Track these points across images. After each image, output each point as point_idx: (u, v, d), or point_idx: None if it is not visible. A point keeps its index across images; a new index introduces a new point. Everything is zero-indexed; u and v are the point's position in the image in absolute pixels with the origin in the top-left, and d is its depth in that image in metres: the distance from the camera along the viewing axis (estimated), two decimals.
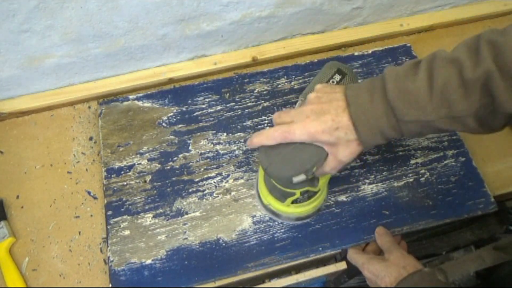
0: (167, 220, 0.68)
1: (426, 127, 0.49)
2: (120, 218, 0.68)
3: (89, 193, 0.72)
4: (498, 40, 0.44)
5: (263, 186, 0.65)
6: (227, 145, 0.75)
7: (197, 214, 0.69)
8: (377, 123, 0.49)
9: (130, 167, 0.73)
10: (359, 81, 0.66)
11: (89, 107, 0.81)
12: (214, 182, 0.71)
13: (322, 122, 0.51)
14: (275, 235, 0.67)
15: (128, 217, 0.68)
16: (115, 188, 0.71)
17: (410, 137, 0.51)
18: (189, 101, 0.79)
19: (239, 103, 0.79)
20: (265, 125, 0.77)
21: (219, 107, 0.79)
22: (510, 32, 0.45)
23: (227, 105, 0.79)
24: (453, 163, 0.73)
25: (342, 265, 0.69)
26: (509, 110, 0.44)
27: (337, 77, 0.64)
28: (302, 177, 0.54)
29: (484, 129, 0.49)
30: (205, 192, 0.70)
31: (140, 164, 0.73)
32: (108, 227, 0.67)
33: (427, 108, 0.47)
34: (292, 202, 0.63)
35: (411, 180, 0.72)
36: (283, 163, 0.54)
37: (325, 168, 0.54)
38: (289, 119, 0.53)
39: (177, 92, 0.81)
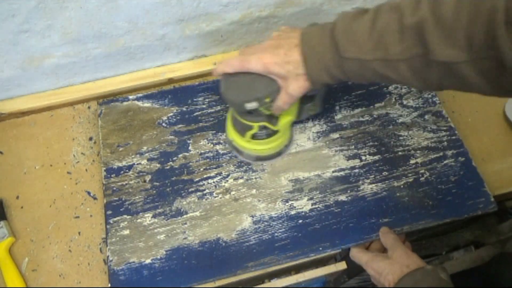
0: (167, 220, 0.68)
1: (364, 67, 0.51)
2: (119, 217, 0.68)
3: (88, 193, 0.72)
4: None
5: (229, 121, 0.71)
6: (227, 145, 0.75)
7: (197, 213, 0.69)
8: (323, 58, 0.52)
9: (130, 167, 0.73)
10: None
11: (89, 107, 0.81)
12: (213, 182, 0.71)
13: (275, 54, 0.55)
14: (275, 235, 0.67)
15: (128, 217, 0.68)
16: (115, 188, 0.71)
17: (354, 79, 0.54)
18: (189, 101, 0.79)
19: None
20: None
21: (219, 107, 0.79)
22: None
23: (227, 105, 0.79)
24: (453, 163, 0.73)
25: (342, 265, 0.69)
26: (440, 57, 0.45)
27: None
28: (254, 104, 0.58)
29: (420, 82, 0.50)
30: (205, 191, 0.70)
31: (139, 164, 0.73)
32: (108, 227, 0.67)
33: (365, 47, 0.50)
34: (252, 137, 0.67)
35: (411, 180, 0.72)
36: (238, 90, 0.59)
37: (278, 101, 0.59)
38: (251, 52, 0.58)
39: (177, 92, 0.81)
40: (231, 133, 0.71)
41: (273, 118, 0.65)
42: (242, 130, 0.68)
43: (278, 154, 0.72)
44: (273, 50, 0.56)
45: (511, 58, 0.41)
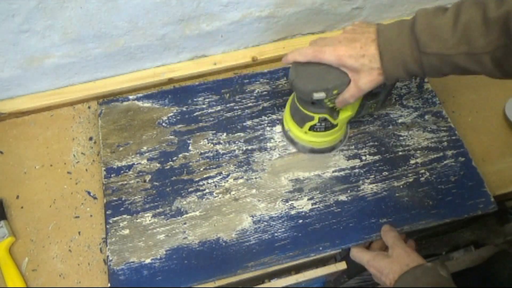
0: (167, 220, 0.68)
1: (445, 62, 0.51)
2: (119, 217, 0.68)
3: (88, 193, 0.72)
4: None
5: (288, 111, 0.71)
6: (227, 145, 0.75)
7: (197, 213, 0.69)
8: (401, 54, 0.53)
9: (130, 167, 0.73)
10: None
11: (89, 107, 0.81)
12: (214, 181, 0.71)
13: (351, 47, 0.55)
14: (275, 235, 0.67)
15: (128, 217, 0.68)
16: (115, 188, 0.71)
17: (429, 74, 0.55)
18: (189, 101, 0.79)
19: (239, 103, 0.79)
20: (265, 125, 0.77)
21: (219, 107, 0.79)
22: None
23: (227, 105, 0.79)
24: (453, 163, 0.73)
25: (342, 265, 0.69)
26: None
27: None
28: (322, 94, 0.59)
29: (499, 72, 0.51)
30: (205, 191, 0.70)
31: (139, 163, 0.73)
32: (108, 226, 0.67)
33: (448, 42, 0.50)
34: (310, 129, 0.68)
35: (411, 180, 0.72)
36: (308, 78, 0.59)
37: (345, 94, 0.59)
38: (324, 44, 0.58)
39: (177, 92, 0.81)
40: (289, 123, 0.71)
41: (334, 111, 0.66)
42: (301, 120, 0.68)
43: (332, 148, 0.73)
44: (349, 43, 0.56)
45: None
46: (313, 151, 0.73)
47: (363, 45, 0.55)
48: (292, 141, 0.73)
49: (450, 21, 0.50)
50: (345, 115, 0.67)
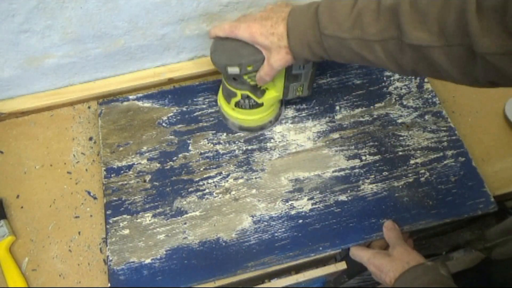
0: (167, 220, 0.68)
1: (342, 46, 0.53)
2: (119, 217, 0.68)
3: (88, 193, 0.72)
4: None
5: (221, 88, 0.74)
6: (227, 145, 0.75)
7: (197, 213, 0.69)
8: (305, 34, 0.54)
9: (130, 167, 0.73)
10: None
11: (89, 107, 0.81)
12: (214, 181, 0.71)
13: (263, 25, 0.57)
14: (275, 235, 0.67)
15: (128, 217, 0.68)
16: (115, 188, 0.71)
17: (334, 57, 0.56)
18: (189, 101, 0.79)
19: None
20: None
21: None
22: None
23: None
24: (453, 163, 0.73)
25: (342, 265, 0.69)
26: (412, 40, 0.46)
27: None
28: (236, 69, 0.61)
29: (395, 66, 0.51)
30: (205, 191, 0.70)
31: (139, 163, 0.73)
32: (108, 227, 0.67)
33: (344, 25, 0.51)
34: (236, 105, 0.70)
35: (411, 180, 0.72)
36: (224, 53, 0.62)
37: (260, 72, 0.61)
38: (243, 20, 0.61)
39: (177, 92, 0.81)
40: (221, 99, 0.74)
41: (258, 90, 0.68)
42: (227, 96, 0.70)
43: (261, 128, 0.75)
44: (262, 21, 0.58)
45: (481, 46, 0.42)
46: (242, 128, 0.75)
47: (274, 23, 0.56)
48: (224, 117, 0.76)
49: (348, 4, 0.51)
50: (270, 95, 0.70)
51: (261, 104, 0.70)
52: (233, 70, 0.61)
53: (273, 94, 0.70)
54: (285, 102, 0.79)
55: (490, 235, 0.86)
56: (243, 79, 0.64)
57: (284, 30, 0.56)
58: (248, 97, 0.68)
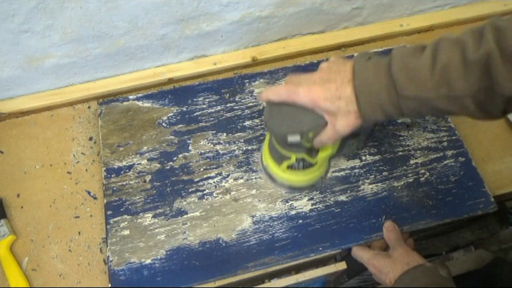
0: (167, 220, 0.68)
1: (425, 105, 0.49)
2: (119, 217, 0.68)
3: (88, 193, 0.72)
4: (501, 25, 0.45)
5: (266, 146, 0.68)
6: (227, 145, 0.75)
7: (197, 214, 0.69)
8: (378, 96, 0.50)
9: (130, 167, 0.73)
10: None
11: (89, 107, 0.81)
12: (214, 182, 0.71)
13: (326, 89, 0.52)
14: (275, 235, 0.67)
15: (128, 217, 0.68)
16: (115, 188, 0.71)
17: (409, 116, 0.52)
18: (189, 101, 0.79)
19: (239, 103, 0.79)
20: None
21: (219, 107, 0.79)
22: None
23: (227, 105, 0.79)
24: (453, 163, 0.73)
25: (342, 265, 0.69)
26: (507, 93, 0.44)
27: None
28: (297, 137, 0.56)
29: (482, 114, 0.48)
30: (205, 192, 0.70)
31: (139, 164, 0.73)
32: (108, 227, 0.67)
33: (427, 85, 0.47)
34: (288, 167, 0.64)
35: (411, 180, 0.72)
36: (282, 120, 0.56)
37: (322, 136, 0.56)
38: (298, 82, 0.55)
39: (177, 92, 0.81)
40: (267, 158, 0.68)
41: (313, 150, 0.62)
42: (278, 158, 0.64)
43: (312, 186, 0.70)
44: (324, 84, 0.53)
45: None
46: (292, 188, 0.69)
47: (339, 86, 0.52)
48: (270, 177, 0.70)
49: (428, 62, 0.47)
50: (325, 153, 0.64)
51: (315, 164, 0.65)
52: (294, 138, 0.56)
53: (328, 153, 0.64)
54: None
55: (505, 237, 0.86)
56: (300, 143, 0.58)
57: (352, 93, 0.51)
58: (303, 159, 0.63)
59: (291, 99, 0.54)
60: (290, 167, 0.64)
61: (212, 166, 0.73)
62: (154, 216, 0.68)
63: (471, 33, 0.47)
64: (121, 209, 0.69)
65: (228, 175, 0.72)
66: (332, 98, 0.52)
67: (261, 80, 0.82)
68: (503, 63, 0.43)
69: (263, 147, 0.70)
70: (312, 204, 0.69)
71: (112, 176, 0.72)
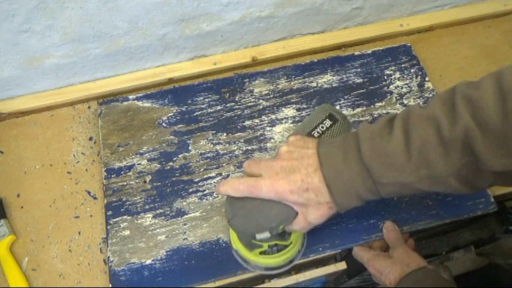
0: (167, 220, 0.68)
1: (405, 188, 0.46)
2: (120, 218, 0.68)
3: (89, 193, 0.72)
4: (473, 95, 0.42)
5: (233, 232, 0.62)
6: (227, 145, 0.75)
7: (197, 214, 0.69)
8: (353, 184, 0.46)
9: (130, 167, 0.73)
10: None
11: (89, 107, 0.81)
12: (214, 182, 0.71)
13: (291, 181, 0.48)
14: None
15: (128, 217, 0.68)
16: (115, 188, 0.71)
17: (387, 197, 0.49)
18: (189, 101, 0.79)
19: (239, 103, 0.79)
20: (265, 125, 0.77)
21: (219, 107, 0.79)
22: (484, 86, 0.42)
23: (227, 105, 0.79)
24: None
25: (342, 265, 0.69)
26: (494, 168, 0.41)
27: (328, 123, 0.58)
28: (266, 234, 0.51)
29: (468, 189, 0.45)
30: (205, 192, 0.70)
31: (140, 164, 0.73)
32: (108, 227, 0.67)
33: (405, 170, 0.44)
34: (260, 253, 0.59)
35: None
36: (247, 218, 0.50)
37: (294, 226, 0.51)
38: (258, 172, 0.50)
39: (177, 92, 0.81)
40: (236, 242, 0.62)
41: (285, 233, 0.57)
42: (249, 246, 0.59)
43: (290, 262, 0.63)
44: (288, 176, 0.48)
45: None
46: (269, 269, 0.63)
47: (305, 176, 0.47)
48: (244, 260, 0.63)
49: (401, 144, 0.44)
50: (298, 232, 0.60)
51: (289, 244, 0.60)
52: (263, 235, 0.51)
53: (300, 232, 0.60)
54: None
55: (510, 248, 0.85)
56: (271, 237, 0.53)
57: (321, 183, 0.47)
58: (276, 244, 0.58)
59: (254, 194, 0.49)
60: (263, 252, 0.59)
61: (212, 166, 0.73)
62: (154, 217, 0.68)
63: (440, 106, 0.44)
64: (122, 210, 0.69)
65: (228, 175, 0.72)
66: (299, 190, 0.48)
67: (261, 79, 0.82)
68: (483, 138, 0.41)
69: (231, 232, 0.64)
70: None
71: (112, 176, 0.72)
